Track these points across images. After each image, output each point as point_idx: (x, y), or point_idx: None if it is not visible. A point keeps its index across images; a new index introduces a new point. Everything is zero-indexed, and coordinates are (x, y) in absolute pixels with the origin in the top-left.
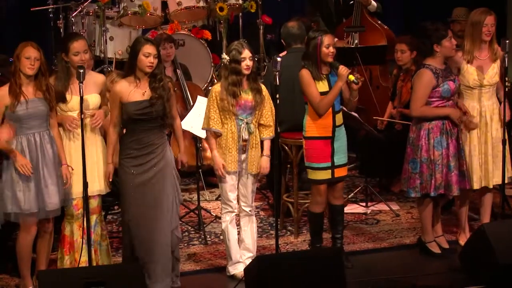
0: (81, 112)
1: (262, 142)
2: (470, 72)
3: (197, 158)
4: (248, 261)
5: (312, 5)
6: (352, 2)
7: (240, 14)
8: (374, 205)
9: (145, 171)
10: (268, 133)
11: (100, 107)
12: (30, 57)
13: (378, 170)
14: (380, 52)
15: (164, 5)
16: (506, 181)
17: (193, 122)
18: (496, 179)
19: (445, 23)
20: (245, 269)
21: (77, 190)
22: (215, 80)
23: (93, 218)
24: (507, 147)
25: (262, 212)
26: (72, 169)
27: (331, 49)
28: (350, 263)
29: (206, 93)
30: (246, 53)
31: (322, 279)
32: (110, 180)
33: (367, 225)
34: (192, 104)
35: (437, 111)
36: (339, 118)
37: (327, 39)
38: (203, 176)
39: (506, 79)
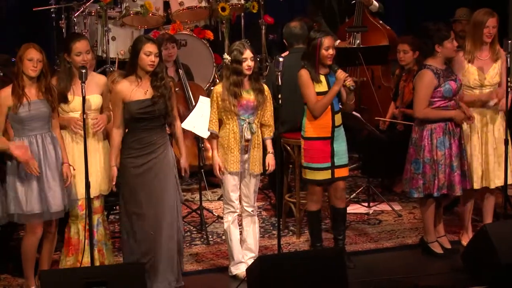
0: (83, 112)
1: (264, 142)
2: (471, 72)
3: (199, 158)
4: (250, 261)
5: (315, 4)
6: (354, 1)
7: (242, 14)
8: (376, 205)
9: (146, 170)
10: (269, 133)
11: (101, 108)
12: (32, 59)
13: (380, 170)
14: (382, 52)
15: (166, 5)
16: (509, 182)
17: (195, 122)
18: (498, 181)
19: (447, 23)
20: (247, 269)
21: (82, 190)
22: (217, 80)
23: (96, 218)
24: (509, 147)
25: (264, 212)
26: (74, 169)
27: (331, 51)
28: (352, 263)
29: (208, 93)
30: (248, 54)
31: (324, 279)
32: (114, 183)
33: (369, 225)
34: (194, 104)
35: (441, 114)
36: (339, 118)
37: (327, 41)
38: (205, 176)
39: (509, 79)
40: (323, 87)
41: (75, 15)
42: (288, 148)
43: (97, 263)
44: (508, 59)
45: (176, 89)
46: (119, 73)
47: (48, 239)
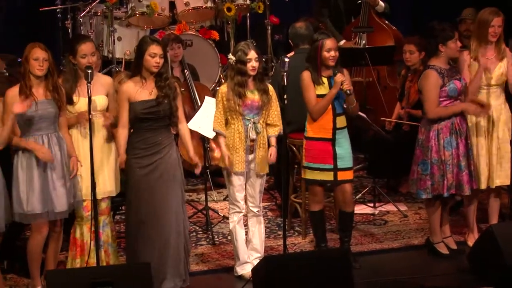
0: (89, 112)
1: (268, 139)
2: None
3: (204, 159)
4: (255, 262)
5: (320, 5)
6: (359, 1)
7: (248, 14)
8: (382, 205)
9: (152, 170)
10: (274, 132)
11: (107, 109)
12: (38, 59)
13: (386, 170)
14: (388, 52)
15: (172, 6)
16: None
17: (201, 122)
18: (500, 180)
19: (453, 24)
20: (252, 270)
21: (87, 192)
22: (223, 81)
23: (102, 219)
24: None
25: (270, 212)
26: (81, 165)
27: (332, 53)
28: (358, 263)
29: (213, 94)
30: (252, 54)
31: (329, 280)
32: (123, 167)
33: (375, 226)
34: (200, 104)
35: (452, 109)
36: (341, 120)
37: (328, 43)
38: (210, 176)
39: None
40: (324, 89)
41: (81, 15)
42: (294, 148)
43: (103, 264)
44: None
45: (182, 89)
46: (126, 74)
47: (53, 238)
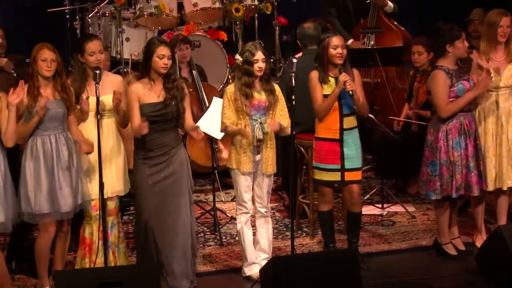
0: (97, 113)
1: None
2: None
3: (212, 159)
4: (263, 262)
5: (329, 5)
6: (368, 1)
7: (256, 15)
8: (390, 206)
9: (160, 171)
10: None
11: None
12: (46, 59)
13: (394, 171)
14: (397, 53)
15: (180, 6)
16: None
17: (209, 123)
18: (511, 181)
19: (461, 24)
20: (260, 270)
21: (96, 191)
22: (231, 81)
23: (110, 219)
24: None
25: (278, 213)
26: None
27: (339, 50)
28: (366, 264)
29: (221, 94)
30: (259, 55)
31: (337, 281)
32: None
33: (383, 227)
34: (207, 105)
35: (463, 100)
36: (349, 121)
37: (334, 40)
38: (218, 177)
39: None
40: (331, 88)
41: (89, 16)
42: (302, 149)
43: (110, 265)
44: None
45: (190, 90)
46: (134, 75)
47: (60, 238)
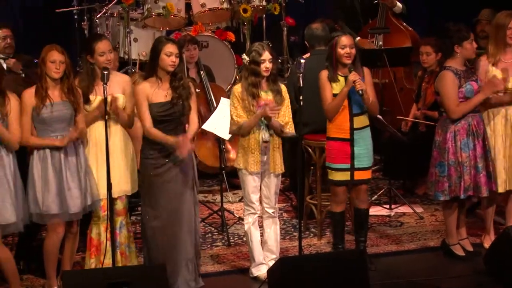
0: (105, 113)
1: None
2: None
3: (220, 160)
4: (271, 263)
5: (336, 5)
6: (376, 1)
7: (264, 15)
8: (398, 207)
9: (166, 171)
10: (287, 128)
11: (124, 108)
12: (55, 61)
13: (402, 172)
14: (405, 53)
15: (188, 7)
16: None
17: (217, 123)
18: None
19: (469, 25)
20: (268, 271)
21: (104, 191)
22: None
23: (119, 220)
24: None
25: (286, 214)
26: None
27: (347, 49)
28: (374, 265)
29: (229, 95)
30: (266, 55)
31: (345, 282)
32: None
33: (390, 228)
34: (215, 105)
35: (473, 101)
36: (360, 121)
37: (343, 40)
38: (226, 177)
39: None
40: (341, 87)
41: (97, 16)
42: (310, 150)
43: (119, 265)
44: None
45: (198, 90)
46: (140, 75)
47: (69, 239)
